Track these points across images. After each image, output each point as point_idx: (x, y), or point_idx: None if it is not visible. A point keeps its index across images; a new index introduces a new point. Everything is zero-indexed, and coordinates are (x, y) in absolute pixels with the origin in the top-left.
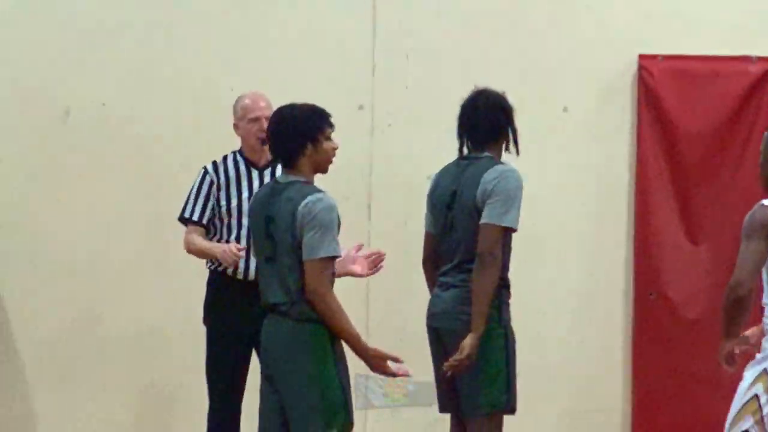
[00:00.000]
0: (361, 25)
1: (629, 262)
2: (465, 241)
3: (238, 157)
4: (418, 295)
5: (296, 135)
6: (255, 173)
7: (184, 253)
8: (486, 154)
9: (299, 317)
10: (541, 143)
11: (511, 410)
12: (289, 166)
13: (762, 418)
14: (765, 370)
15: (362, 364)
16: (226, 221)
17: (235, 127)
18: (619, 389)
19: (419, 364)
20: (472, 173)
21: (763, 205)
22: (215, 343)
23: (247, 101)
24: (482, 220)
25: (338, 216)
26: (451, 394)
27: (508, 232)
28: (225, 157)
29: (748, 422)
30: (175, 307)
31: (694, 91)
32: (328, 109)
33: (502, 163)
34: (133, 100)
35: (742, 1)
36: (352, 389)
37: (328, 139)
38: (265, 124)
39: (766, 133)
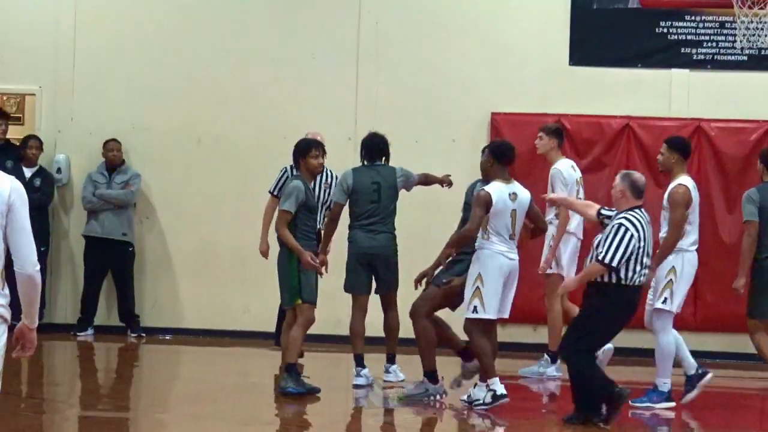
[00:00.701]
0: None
1: None
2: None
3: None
4: None
5: (296, 153)
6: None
7: None
8: (381, 163)
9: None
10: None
11: None
12: (298, 170)
13: None
14: None
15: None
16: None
17: None
18: None
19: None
20: (387, 172)
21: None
22: None
23: (308, 136)
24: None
25: (300, 192)
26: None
27: None
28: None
29: None
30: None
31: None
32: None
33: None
34: (236, 133)
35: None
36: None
37: (314, 157)
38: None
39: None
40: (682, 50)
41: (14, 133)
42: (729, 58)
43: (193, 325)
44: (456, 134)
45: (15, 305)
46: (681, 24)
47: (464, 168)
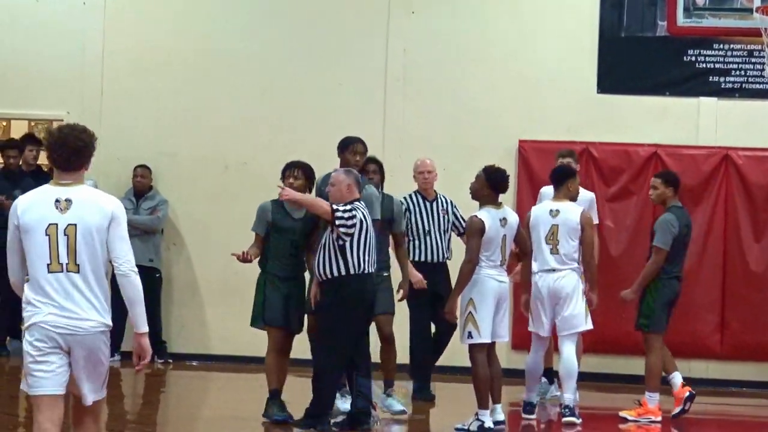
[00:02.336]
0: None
1: None
2: None
3: (417, 196)
4: None
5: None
6: (427, 204)
7: None
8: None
9: None
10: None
11: None
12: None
13: None
14: None
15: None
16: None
17: (414, 177)
18: None
19: None
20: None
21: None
22: None
23: (418, 162)
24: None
25: (263, 212)
26: None
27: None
28: (411, 194)
29: None
30: None
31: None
32: None
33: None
34: (263, 159)
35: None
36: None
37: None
38: (428, 176)
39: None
40: (710, 79)
41: (44, 159)
42: (757, 86)
43: (220, 351)
44: (483, 162)
45: None
46: (708, 52)
47: None
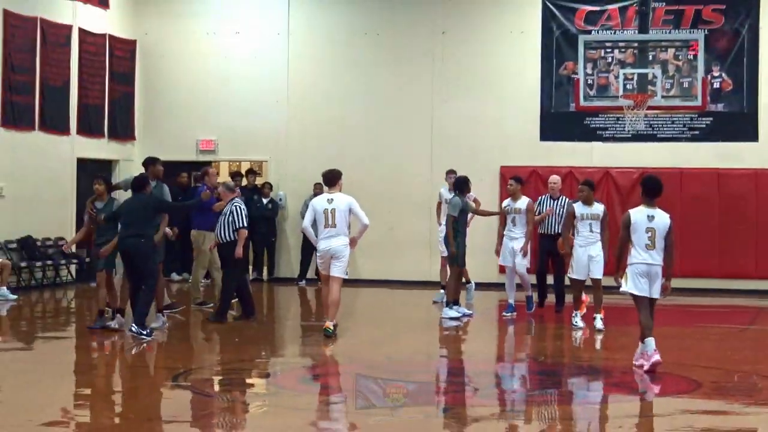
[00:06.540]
0: None
1: None
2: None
3: (547, 196)
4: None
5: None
6: (552, 201)
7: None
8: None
9: None
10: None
11: None
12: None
13: None
14: None
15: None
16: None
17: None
18: None
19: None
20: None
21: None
22: None
23: (553, 177)
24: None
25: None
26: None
27: None
28: (543, 196)
29: None
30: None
31: None
32: None
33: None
34: (359, 157)
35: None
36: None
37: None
38: (554, 186)
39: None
40: (597, 132)
41: (258, 181)
42: (623, 134)
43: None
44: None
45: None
46: (597, 118)
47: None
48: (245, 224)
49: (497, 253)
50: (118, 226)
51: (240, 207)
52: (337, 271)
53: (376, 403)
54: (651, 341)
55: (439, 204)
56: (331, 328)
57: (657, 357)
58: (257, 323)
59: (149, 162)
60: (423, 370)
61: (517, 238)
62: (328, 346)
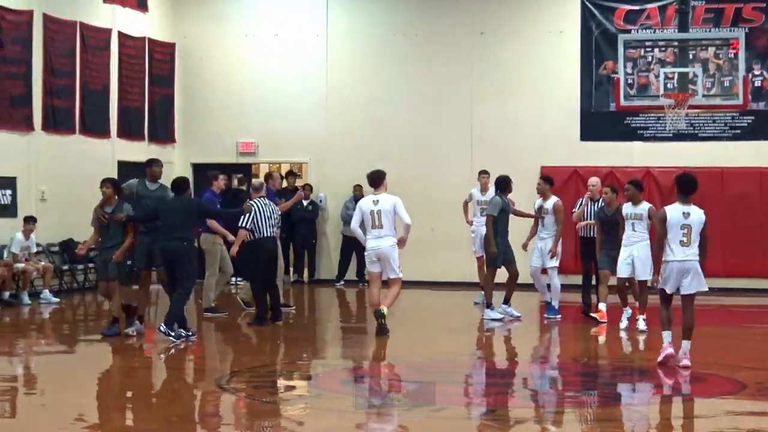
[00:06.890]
0: None
1: None
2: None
3: (587, 198)
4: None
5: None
6: (592, 204)
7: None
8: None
9: None
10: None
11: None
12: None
13: None
14: None
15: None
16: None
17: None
18: None
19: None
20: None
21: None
22: None
23: (592, 179)
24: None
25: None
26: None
27: None
28: (583, 198)
29: None
30: None
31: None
32: None
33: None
34: (398, 158)
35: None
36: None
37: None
38: (593, 189)
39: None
40: (638, 132)
41: (298, 182)
42: (664, 134)
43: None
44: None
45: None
46: (637, 117)
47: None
48: (245, 224)
49: (524, 247)
50: (128, 227)
51: (260, 205)
52: (393, 273)
53: (418, 404)
54: (667, 334)
55: (466, 203)
56: (384, 310)
57: (670, 350)
58: (273, 326)
59: (146, 164)
60: (465, 371)
61: (545, 239)
62: (369, 348)
